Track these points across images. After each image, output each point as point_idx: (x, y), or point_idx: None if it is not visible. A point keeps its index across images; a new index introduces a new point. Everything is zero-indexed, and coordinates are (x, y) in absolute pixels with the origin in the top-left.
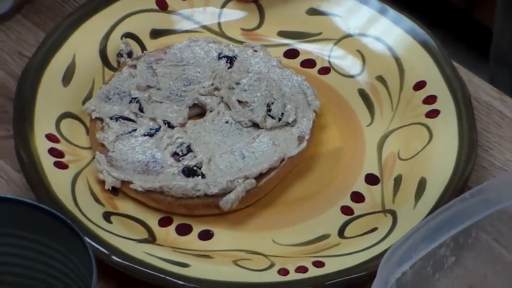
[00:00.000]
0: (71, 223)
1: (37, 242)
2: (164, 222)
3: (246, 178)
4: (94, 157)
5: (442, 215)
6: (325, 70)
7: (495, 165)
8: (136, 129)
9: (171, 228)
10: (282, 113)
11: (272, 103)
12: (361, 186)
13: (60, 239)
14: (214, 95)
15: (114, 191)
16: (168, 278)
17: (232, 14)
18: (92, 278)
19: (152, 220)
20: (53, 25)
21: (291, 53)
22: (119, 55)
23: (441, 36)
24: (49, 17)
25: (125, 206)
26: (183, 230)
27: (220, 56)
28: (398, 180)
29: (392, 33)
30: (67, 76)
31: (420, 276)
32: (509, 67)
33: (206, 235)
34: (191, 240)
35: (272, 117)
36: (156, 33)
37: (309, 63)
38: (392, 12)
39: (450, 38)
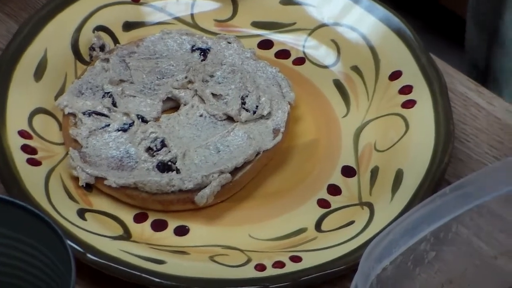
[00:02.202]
0: (49, 220)
1: (13, 238)
2: (139, 218)
3: (221, 172)
4: (67, 153)
5: (422, 210)
6: (299, 61)
7: (472, 158)
8: (109, 124)
9: (147, 224)
10: (257, 106)
11: (247, 96)
12: (337, 178)
13: (37, 236)
14: (188, 88)
15: (88, 187)
16: (144, 275)
17: (205, 5)
18: (71, 276)
19: (127, 216)
20: (25, 15)
21: (265, 44)
22: (92, 49)
23: (409, 22)
24: (20, 7)
25: (99, 202)
26: (159, 226)
27: (194, 48)
28: (374, 172)
29: (366, 22)
30: (39, 71)
31: (400, 271)
32: (489, 31)
33: (181, 231)
34: (167, 236)
35: (247, 110)
36: (128, 26)
37: (283, 53)
38: (365, 0)
39: (415, 23)
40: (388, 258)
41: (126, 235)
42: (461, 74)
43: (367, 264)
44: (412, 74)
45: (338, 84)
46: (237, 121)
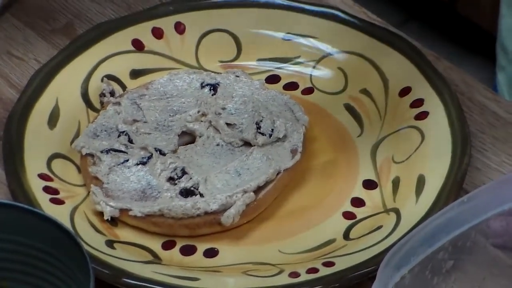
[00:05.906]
0: (67, 228)
1: (32, 247)
2: (168, 246)
3: (245, 192)
4: (89, 193)
5: (440, 218)
6: (308, 91)
7: (490, 167)
8: (128, 160)
9: (175, 250)
10: (272, 129)
11: (261, 121)
12: (359, 191)
13: (55, 243)
14: (201, 121)
15: (113, 221)
16: None
17: (209, 48)
18: (90, 282)
19: (155, 245)
20: (42, 23)
21: (273, 78)
22: (102, 95)
23: (420, 30)
24: (38, 16)
25: (126, 234)
26: (188, 250)
27: (203, 84)
28: (396, 182)
29: (370, 46)
30: (52, 119)
31: (418, 280)
32: None
33: (211, 253)
34: (197, 259)
35: (263, 134)
36: (135, 73)
37: (291, 86)
38: (367, 25)
39: (431, 31)
40: (406, 266)
41: (157, 260)
42: (479, 83)
43: (386, 272)
44: (421, 88)
45: (349, 108)
46: (254, 145)
